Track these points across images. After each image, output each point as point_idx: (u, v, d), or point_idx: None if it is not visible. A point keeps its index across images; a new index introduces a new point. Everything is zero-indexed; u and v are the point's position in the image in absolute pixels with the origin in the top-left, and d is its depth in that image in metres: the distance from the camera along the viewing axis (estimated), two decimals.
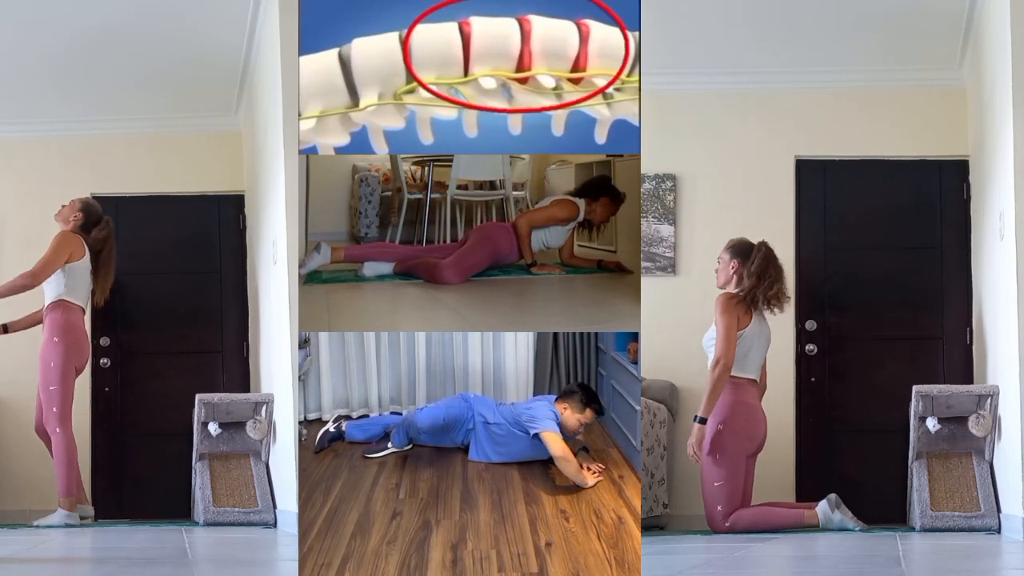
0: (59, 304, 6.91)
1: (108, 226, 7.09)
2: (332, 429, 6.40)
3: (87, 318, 7.08)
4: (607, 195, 7.10)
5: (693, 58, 7.14)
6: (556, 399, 5.99)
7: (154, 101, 7.55)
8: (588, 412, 5.91)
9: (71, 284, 6.91)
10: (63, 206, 7.07)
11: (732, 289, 6.35)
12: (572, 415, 5.89)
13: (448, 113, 4.81)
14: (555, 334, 6.80)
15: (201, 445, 7.02)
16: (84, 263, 6.96)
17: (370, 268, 6.82)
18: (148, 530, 6.56)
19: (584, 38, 4.85)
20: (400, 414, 6.61)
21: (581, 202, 7.04)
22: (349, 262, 6.88)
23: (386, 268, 6.86)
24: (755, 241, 6.43)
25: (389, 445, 6.22)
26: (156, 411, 7.58)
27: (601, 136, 4.93)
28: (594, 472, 5.69)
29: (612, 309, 6.18)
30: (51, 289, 6.95)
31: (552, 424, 5.77)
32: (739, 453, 6.22)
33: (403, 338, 7.12)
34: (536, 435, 5.78)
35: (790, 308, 6.59)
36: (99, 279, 7.06)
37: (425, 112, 4.79)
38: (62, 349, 6.87)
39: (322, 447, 6.30)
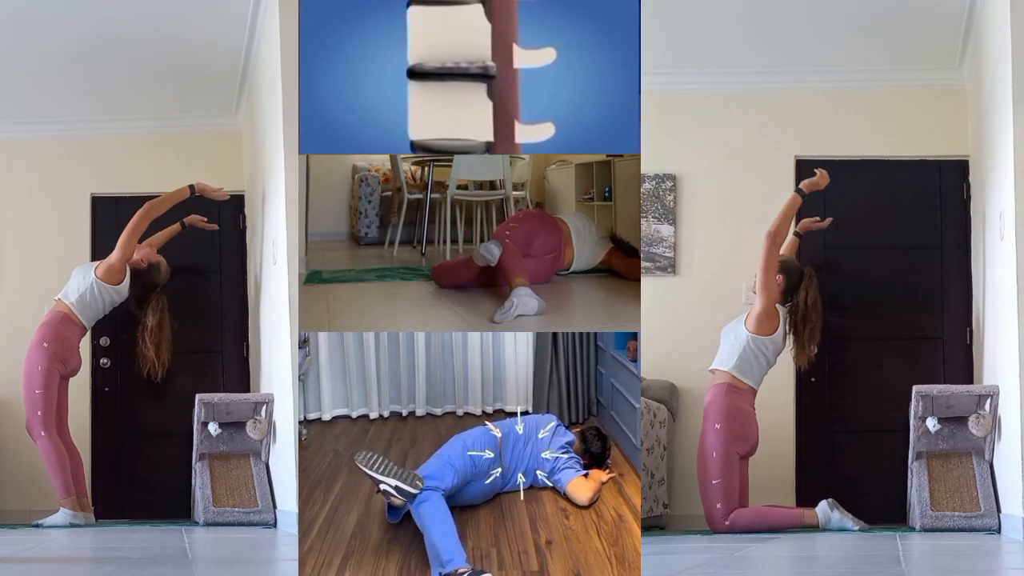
0: (62, 313, 6.90)
1: (161, 304, 7.09)
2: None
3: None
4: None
5: (693, 58, 7.13)
6: (577, 444, 5.78)
7: (154, 101, 7.54)
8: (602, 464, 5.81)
9: (87, 301, 6.87)
10: (147, 247, 7.10)
11: None
12: (586, 460, 5.76)
13: None
14: (554, 332, 6.79)
15: (201, 445, 7.01)
16: (114, 290, 6.92)
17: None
18: (148, 530, 6.56)
19: None
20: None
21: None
22: None
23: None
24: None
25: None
26: (156, 411, 7.58)
27: (601, 136, 4.92)
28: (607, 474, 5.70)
29: (612, 309, 6.18)
30: (70, 288, 6.92)
31: (576, 471, 5.59)
32: (734, 452, 6.29)
33: (403, 338, 7.12)
34: (564, 488, 5.57)
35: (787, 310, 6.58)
36: (148, 350, 7.08)
37: None
38: (49, 355, 6.85)
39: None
